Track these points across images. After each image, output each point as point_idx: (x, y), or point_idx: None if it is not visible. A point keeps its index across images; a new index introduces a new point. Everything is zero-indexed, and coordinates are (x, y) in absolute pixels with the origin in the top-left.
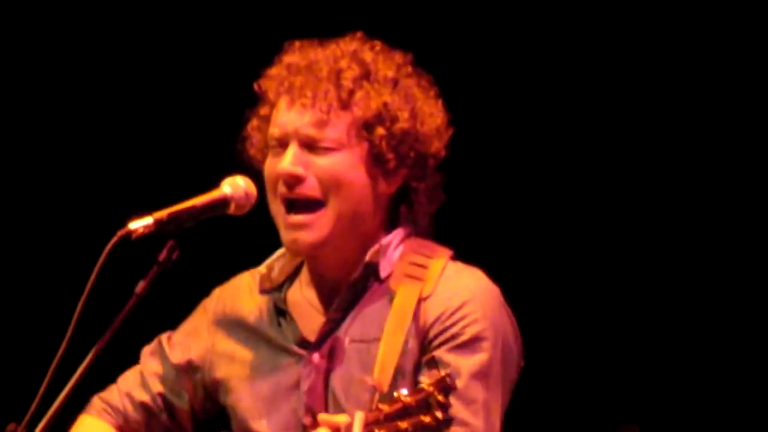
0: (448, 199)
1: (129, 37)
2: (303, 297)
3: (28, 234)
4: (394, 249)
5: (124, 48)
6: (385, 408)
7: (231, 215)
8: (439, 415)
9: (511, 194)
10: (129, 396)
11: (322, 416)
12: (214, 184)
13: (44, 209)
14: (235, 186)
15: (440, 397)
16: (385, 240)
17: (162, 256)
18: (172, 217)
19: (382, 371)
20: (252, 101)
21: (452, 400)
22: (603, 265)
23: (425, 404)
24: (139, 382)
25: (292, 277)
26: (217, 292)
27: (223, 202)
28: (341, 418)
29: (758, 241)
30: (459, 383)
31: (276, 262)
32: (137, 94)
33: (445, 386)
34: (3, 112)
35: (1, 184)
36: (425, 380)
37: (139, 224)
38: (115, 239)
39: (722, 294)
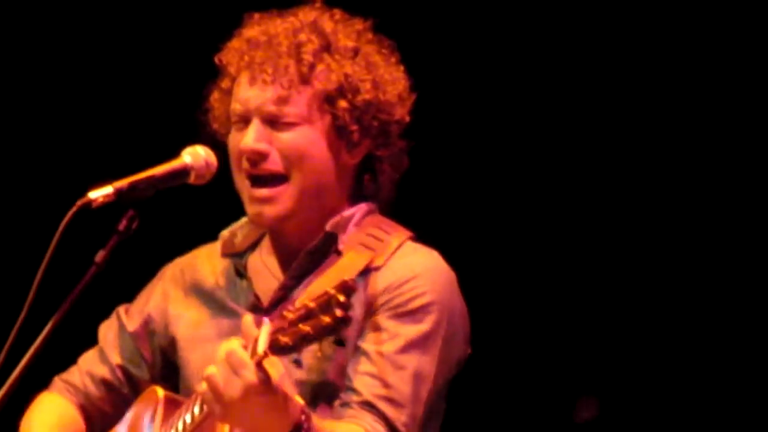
0: (410, 179)
1: (89, 8)
2: (263, 263)
3: None
4: (355, 223)
5: (86, 19)
6: (290, 315)
7: (192, 185)
8: (338, 313)
9: (467, 170)
10: (89, 373)
11: (247, 318)
12: (176, 154)
13: (6, 178)
14: (195, 155)
15: (341, 297)
16: (347, 212)
17: (122, 225)
18: (132, 186)
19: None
20: (213, 72)
21: (384, 362)
22: (561, 242)
23: (326, 305)
24: (98, 359)
25: (254, 245)
26: (177, 260)
27: (184, 171)
28: (253, 332)
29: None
30: (394, 346)
31: (240, 229)
32: (99, 66)
33: (347, 287)
34: None
35: None
36: (366, 345)
37: (98, 193)
38: (74, 208)
39: (679, 265)
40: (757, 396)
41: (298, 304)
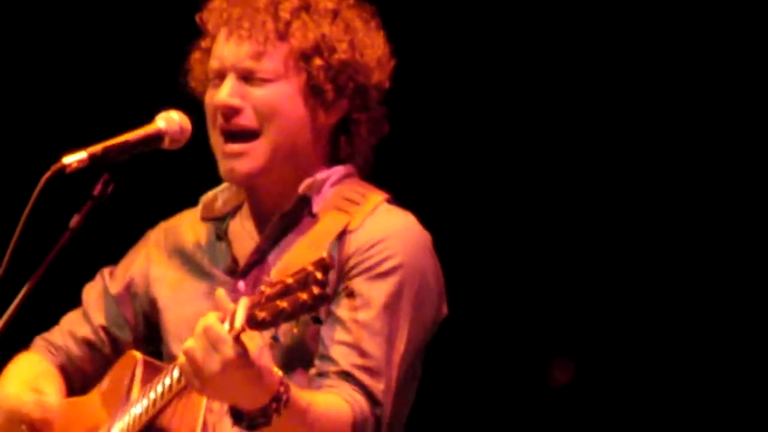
0: (389, 139)
1: None
2: (242, 227)
3: None
4: (330, 186)
5: None
6: (267, 290)
7: (166, 149)
8: (315, 290)
9: (447, 136)
10: (71, 333)
11: (220, 291)
12: (150, 119)
13: None
14: (169, 120)
15: (318, 275)
16: (321, 174)
17: (96, 190)
18: (106, 151)
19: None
20: (192, 35)
21: (359, 330)
22: (538, 202)
23: (304, 282)
24: (81, 319)
25: (235, 210)
26: (161, 223)
27: (158, 136)
28: (230, 305)
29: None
30: (370, 314)
31: (221, 193)
32: (74, 29)
33: (324, 264)
34: None
35: None
36: (341, 312)
37: (73, 158)
38: (49, 173)
39: (656, 234)
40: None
41: (275, 278)
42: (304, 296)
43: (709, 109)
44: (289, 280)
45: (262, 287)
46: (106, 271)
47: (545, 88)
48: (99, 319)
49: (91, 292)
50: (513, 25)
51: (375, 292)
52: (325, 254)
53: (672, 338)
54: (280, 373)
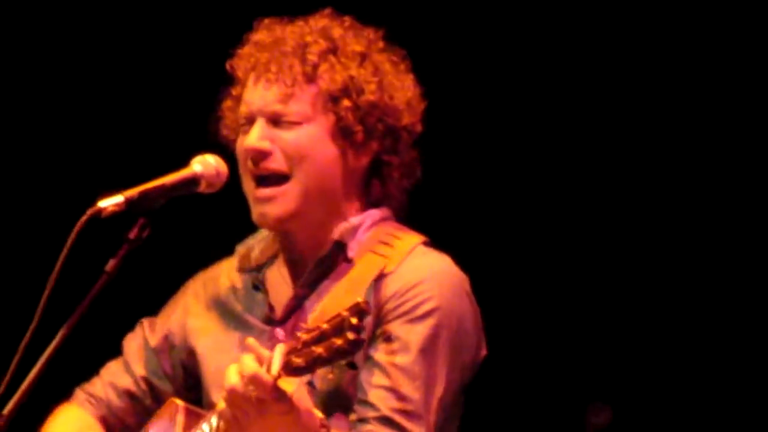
0: (425, 184)
1: (101, 19)
2: (279, 274)
3: (1, 214)
4: (365, 230)
5: (100, 27)
6: (304, 336)
7: (203, 193)
8: (350, 336)
9: (484, 180)
10: (112, 384)
11: (250, 340)
12: (186, 162)
13: (16, 187)
14: (205, 164)
15: (354, 320)
16: (356, 219)
17: (132, 234)
18: (142, 195)
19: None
20: (226, 81)
21: (397, 374)
22: (573, 247)
23: (339, 328)
24: (122, 370)
25: (272, 258)
26: (198, 275)
27: (194, 180)
28: (265, 352)
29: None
30: (408, 358)
31: (257, 243)
32: (111, 74)
33: (360, 310)
34: None
35: None
36: (378, 356)
37: (109, 202)
38: (85, 217)
39: (692, 278)
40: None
41: (311, 324)
42: (339, 342)
43: (716, 110)
44: (325, 326)
45: (299, 334)
46: (146, 322)
47: (583, 135)
48: (140, 370)
49: (132, 343)
50: (544, 75)
51: (413, 336)
52: (360, 300)
53: (709, 385)
54: (320, 415)
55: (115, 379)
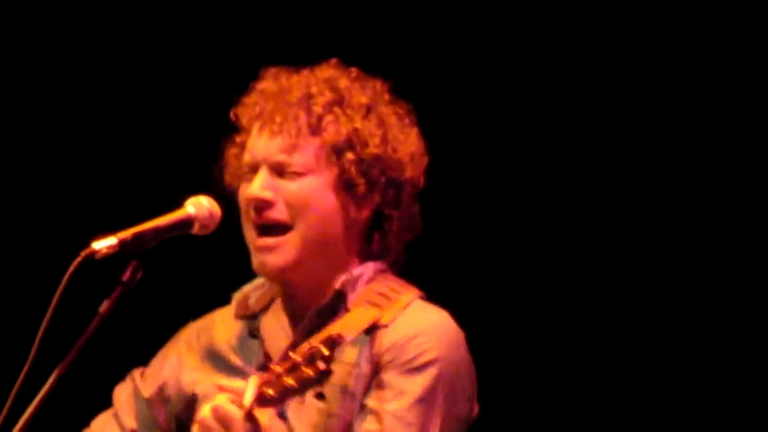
0: (423, 236)
1: (104, 57)
2: (276, 322)
3: None
4: (365, 282)
5: (97, 67)
6: (277, 369)
7: (195, 235)
8: (320, 366)
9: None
10: None
11: (220, 381)
12: (179, 204)
13: (6, 229)
14: (198, 206)
15: (324, 351)
16: (356, 270)
17: (125, 276)
18: (136, 237)
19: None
20: (224, 125)
21: (389, 420)
22: (569, 300)
23: (310, 358)
24: (112, 422)
25: (268, 306)
26: (192, 324)
27: (187, 221)
28: (238, 384)
29: (756, 241)
30: (399, 404)
31: (254, 290)
32: (106, 114)
33: (332, 341)
34: None
35: None
36: (372, 403)
37: (102, 244)
38: (78, 259)
39: (717, 300)
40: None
41: (287, 357)
42: (309, 371)
43: (717, 114)
44: (298, 358)
45: (272, 366)
46: (137, 372)
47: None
48: (130, 422)
49: (122, 394)
50: (556, 127)
51: (409, 385)
52: (333, 332)
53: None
54: None
55: (105, 431)
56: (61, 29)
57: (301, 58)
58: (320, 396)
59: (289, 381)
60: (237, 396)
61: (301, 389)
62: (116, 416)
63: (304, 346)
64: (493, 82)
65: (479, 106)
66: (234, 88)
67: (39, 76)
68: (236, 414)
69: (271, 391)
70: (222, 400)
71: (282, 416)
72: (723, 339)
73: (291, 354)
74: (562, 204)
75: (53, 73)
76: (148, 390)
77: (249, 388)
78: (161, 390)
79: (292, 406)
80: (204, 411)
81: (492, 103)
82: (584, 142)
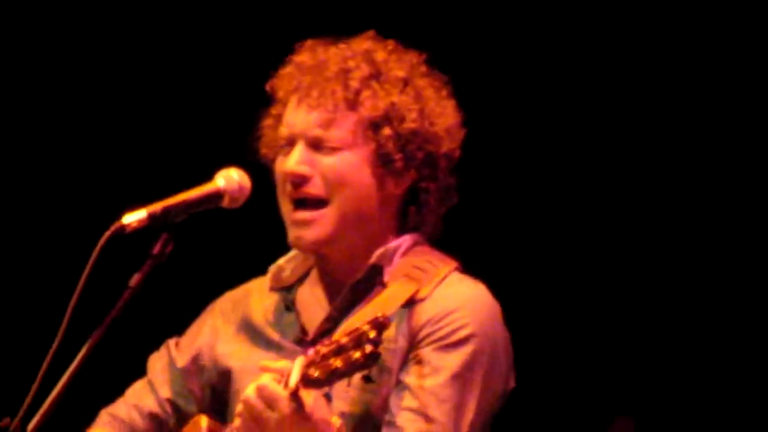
0: (458, 207)
1: (140, 33)
2: (311, 294)
3: (23, 229)
4: (401, 255)
5: (134, 44)
6: (323, 349)
7: (225, 208)
8: (368, 349)
9: (510, 204)
10: (137, 407)
11: (263, 363)
12: (210, 176)
13: (38, 203)
14: (228, 179)
15: (372, 334)
16: (392, 244)
17: (156, 249)
18: (166, 210)
19: (337, 336)
20: (254, 98)
21: (426, 396)
22: (597, 261)
23: (358, 341)
24: (147, 392)
25: (303, 278)
26: (227, 294)
27: (217, 194)
28: (282, 364)
29: (748, 234)
30: (436, 380)
31: (288, 262)
32: (137, 89)
33: (379, 323)
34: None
35: None
36: (409, 379)
37: (132, 218)
38: (108, 233)
39: (713, 287)
40: None
41: (332, 338)
42: (357, 354)
43: (725, 116)
44: (344, 340)
45: (318, 347)
46: (171, 342)
47: (624, 161)
48: (165, 391)
49: (157, 364)
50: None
51: (445, 361)
52: (380, 314)
53: (733, 394)
54: (338, 423)
55: (139, 401)
56: (95, 10)
57: (338, 30)
58: (368, 379)
59: (337, 363)
60: (281, 376)
61: (348, 372)
62: (151, 385)
63: (350, 327)
64: (532, 53)
65: (517, 77)
66: (267, 60)
67: (70, 55)
68: (281, 394)
69: (316, 373)
70: (267, 379)
71: (327, 397)
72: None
73: (338, 336)
74: (601, 174)
75: (84, 50)
76: (182, 360)
77: (295, 368)
78: (195, 360)
79: (337, 387)
80: (249, 390)
81: (530, 74)
82: (623, 110)
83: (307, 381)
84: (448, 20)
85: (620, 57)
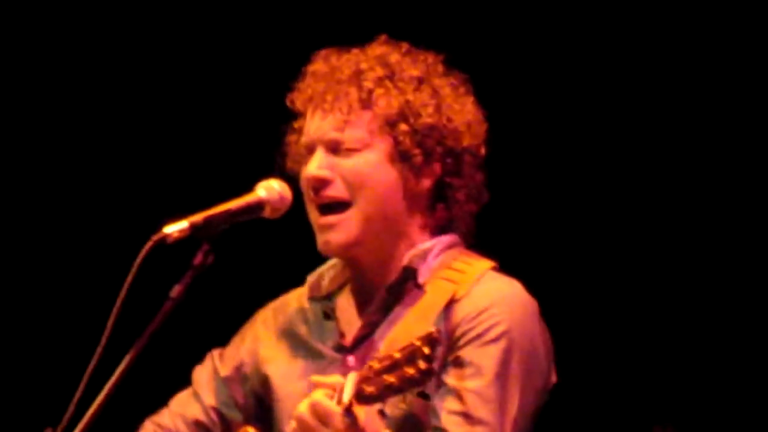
0: (491, 208)
1: (172, 48)
2: (348, 302)
3: (66, 239)
4: (435, 256)
5: (170, 57)
6: (376, 365)
7: (267, 219)
8: (422, 365)
9: (548, 202)
10: (181, 416)
11: (314, 378)
12: (250, 188)
13: (82, 214)
14: (269, 189)
15: (425, 350)
16: (424, 245)
17: (197, 260)
18: (207, 220)
19: (386, 350)
20: (288, 110)
21: (469, 398)
22: (640, 270)
23: (411, 357)
24: (192, 401)
25: (341, 286)
26: (269, 304)
27: (258, 205)
28: (334, 379)
29: None
30: (481, 382)
31: (327, 272)
32: (179, 102)
33: (432, 339)
34: (42, 116)
35: (39, 189)
36: (451, 381)
37: (174, 228)
38: (150, 243)
39: (755, 297)
40: None
41: (383, 353)
42: (411, 371)
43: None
44: (397, 355)
45: (370, 363)
46: (215, 353)
47: (649, 156)
48: (210, 400)
49: (202, 374)
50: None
51: (485, 360)
52: (432, 329)
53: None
54: None
55: (184, 410)
56: (119, 18)
57: (353, 39)
58: (424, 396)
59: (391, 379)
60: (333, 392)
61: (402, 388)
62: (195, 395)
63: (401, 341)
64: (556, 51)
65: (544, 76)
66: (296, 72)
67: (107, 64)
68: (335, 410)
69: (370, 389)
70: (320, 395)
71: (382, 414)
72: None
73: (391, 352)
74: (632, 170)
75: (123, 61)
76: (225, 369)
77: (348, 384)
78: (238, 369)
79: (391, 403)
80: (302, 407)
81: (557, 72)
82: (648, 105)
83: (360, 397)
84: (465, 22)
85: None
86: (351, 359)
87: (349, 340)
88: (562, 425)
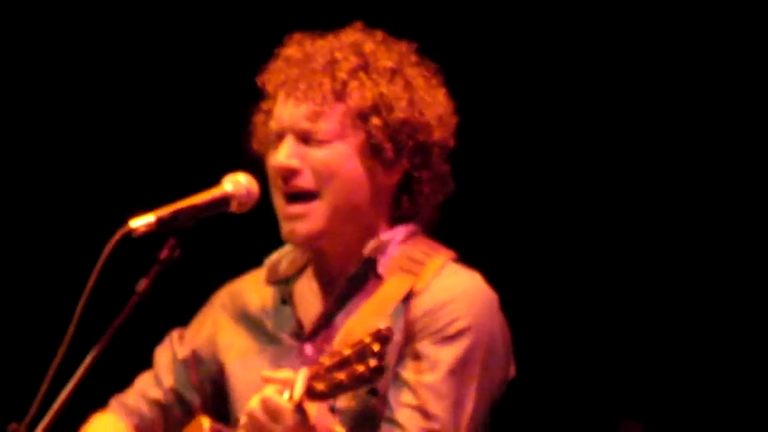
0: (452, 197)
1: (133, 33)
2: (308, 288)
3: (29, 232)
4: (395, 246)
5: (128, 44)
6: (326, 361)
7: (233, 213)
8: (372, 363)
9: (511, 192)
10: (143, 395)
11: (265, 373)
12: (216, 181)
13: (45, 207)
14: (236, 183)
15: (375, 347)
16: (385, 235)
17: (163, 254)
18: (174, 215)
19: (341, 344)
20: (256, 96)
21: (425, 393)
22: (605, 263)
23: (361, 355)
24: (152, 381)
25: (301, 270)
26: (225, 286)
27: (225, 199)
28: (284, 375)
29: (757, 239)
30: (436, 377)
31: (285, 255)
32: (139, 91)
33: (382, 336)
34: (4, 111)
35: (3, 182)
36: (407, 375)
37: (140, 222)
38: (116, 237)
39: (725, 292)
40: None
41: (336, 347)
42: (361, 369)
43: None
44: (347, 352)
45: (321, 358)
46: (175, 334)
47: (623, 149)
48: (169, 381)
49: (162, 355)
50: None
51: (442, 355)
52: (382, 326)
53: (745, 404)
54: (343, 431)
55: (146, 390)
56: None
57: (327, 23)
58: (374, 392)
59: (341, 376)
60: (284, 387)
61: (351, 386)
62: (156, 376)
63: (352, 336)
64: (524, 41)
65: (510, 65)
66: (262, 55)
67: (71, 57)
68: (286, 406)
69: (321, 386)
70: (271, 391)
71: (333, 410)
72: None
73: (341, 348)
74: (595, 161)
75: (85, 53)
76: (182, 352)
77: (299, 380)
78: (195, 353)
79: (342, 399)
80: (253, 402)
81: (522, 61)
82: (615, 98)
83: (311, 394)
84: (439, 10)
85: (611, 41)
86: (308, 348)
87: (307, 327)
88: (528, 422)
